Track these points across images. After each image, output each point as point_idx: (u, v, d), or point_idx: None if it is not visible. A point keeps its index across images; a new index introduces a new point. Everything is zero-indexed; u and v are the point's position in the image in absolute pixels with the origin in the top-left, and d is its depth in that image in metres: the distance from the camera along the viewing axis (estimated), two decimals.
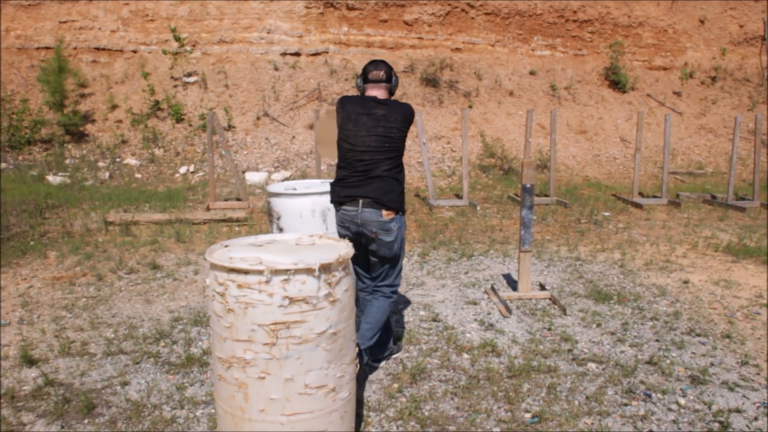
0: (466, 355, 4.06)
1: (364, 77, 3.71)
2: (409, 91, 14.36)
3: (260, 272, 2.45)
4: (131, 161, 11.87)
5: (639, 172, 13.49)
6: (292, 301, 2.48)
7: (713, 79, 16.09)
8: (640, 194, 11.04)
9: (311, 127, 12.91)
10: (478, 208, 9.62)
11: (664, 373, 3.89)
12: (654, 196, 10.67)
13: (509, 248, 7.09)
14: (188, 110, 12.92)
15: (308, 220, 4.43)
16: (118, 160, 11.88)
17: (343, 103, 3.71)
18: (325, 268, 2.55)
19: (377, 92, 3.69)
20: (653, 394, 3.61)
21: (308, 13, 14.41)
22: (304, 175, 11.40)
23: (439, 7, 15.46)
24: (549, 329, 4.53)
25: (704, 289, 5.72)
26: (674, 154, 14.04)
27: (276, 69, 13.88)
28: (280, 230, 4.49)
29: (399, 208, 3.62)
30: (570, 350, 4.18)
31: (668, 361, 4.05)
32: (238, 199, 9.55)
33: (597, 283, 5.75)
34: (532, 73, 15.92)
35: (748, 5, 16.91)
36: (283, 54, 14.18)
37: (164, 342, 4.22)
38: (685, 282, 5.90)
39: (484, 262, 6.44)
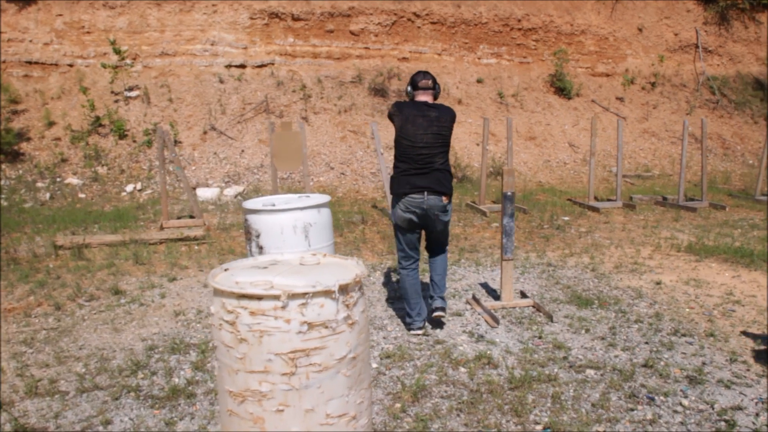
0: (462, 369, 3.93)
1: (414, 85, 4.49)
2: (357, 101, 14.24)
3: (276, 297, 2.25)
4: (73, 180, 11.34)
5: (577, 176, 13.74)
6: (311, 326, 2.29)
7: (653, 84, 16.55)
8: (595, 198, 11.18)
9: (261, 140, 12.63)
10: None
11: (661, 375, 3.86)
12: (608, 200, 10.82)
13: (479, 257, 7.02)
14: (131, 126, 12.45)
15: (290, 237, 4.23)
16: (58, 179, 11.33)
17: (401, 107, 4.45)
18: (344, 290, 2.37)
19: (426, 97, 4.49)
20: (656, 397, 3.58)
21: (253, 25, 14.14)
22: (257, 190, 11.12)
23: (386, 17, 15.42)
24: (540, 337, 4.45)
25: (677, 289, 5.77)
26: (623, 157, 14.30)
27: (221, 82, 13.55)
28: (260, 249, 4.27)
29: (452, 193, 4.44)
30: (565, 357, 4.11)
31: (662, 363, 4.03)
32: (192, 217, 9.22)
33: (574, 288, 5.72)
34: (479, 81, 16.02)
35: (682, 15, 17.49)
36: (228, 66, 13.85)
37: (142, 374, 3.94)
38: (658, 283, 5.94)
39: (458, 272, 6.34)
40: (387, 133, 13.56)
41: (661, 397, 3.58)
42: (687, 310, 5.16)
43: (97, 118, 12.28)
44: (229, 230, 8.51)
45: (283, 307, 2.26)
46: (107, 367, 4.07)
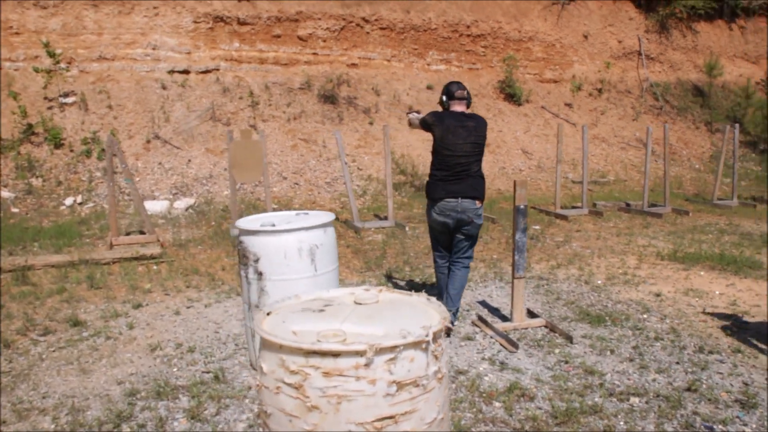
0: (497, 404, 3.53)
1: (450, 95, 4.63)
2: (307, 108, 13.72)
3: (359, 353, 1.79)
4: (4, 194, 10.39)
5: (548, 184, 13.64)
6: (400, 386, 1.84)
7: (600, 91, 16.68)
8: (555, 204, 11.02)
9: (209, 149, 11.96)
10: (407, 228, 9.15)
11: (709, 400, 3.59)
12: (574, 207, 10.68)
13: None
14: (68, 134, 11.56)
15: (295, 261, 3.73)
16: None
17: (440, 117, 4.58)
18: (435, 338, 1.93)
19: (462, 107, 4.65)
20: (715, 426, 3.27)
21: (197, 29, 13.43)
22: (209, 202, 10.47)
23: (334, 22, 14.96)
24: (566, 362, 4.10)
25: (679, 301, 5.57)
26: (574, 163, 14.30)
27: (164, 88, 12.79)
28: (259, 275, 3.76)
29: (484, 197, 4.61)
30: (601, 384, 3.78)
31: (704, 386, 3.77)
32: (142, 232, 8.52)
33: (578, 303, 5.43)
34: (429, 87, 15.75)
35: (625, 22, 17.74)
36: (171, 72, 13.10)
37: (128, 427, 3.36)
38: (657, 295, 5.73)
39: None
40: (351, 140, 13.10)
41: (720, 426, 3.29)
42: (699, 323, 4.92)
43: (30, 126, 11.34)
44: (186, 247, 7.88)
45: (367, 365, 1.80)
46: (82, 420, 3.47)
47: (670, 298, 5.62)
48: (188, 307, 5.44)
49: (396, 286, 6.07)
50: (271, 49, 14.22)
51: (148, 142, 11.81)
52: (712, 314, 5.14)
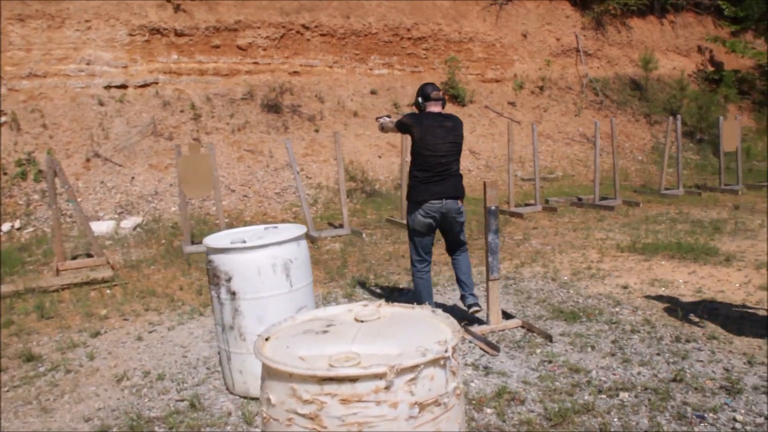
0: (488, 410, 3.45)
1: (426, 97, 4.69)
2: (251, 119, 13.46)
3: (378, 376, 1.66)
4: None
5: (498, 182, 13.70)
6: (422, 407, 1.73)
7: (541, 88, 16.91)
8: (508, 203, 11.08)
9: (153, 165, 11.58)
10: (364, 235, 9.03)
11: (696, 389, 3.60)
12: (527, 204, 10.75)
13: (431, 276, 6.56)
14: (1, 157, 11.02)
15: (269, 278, 3.57)
16: None
17: (418, 118, 4.63)
18: (453, 353, 1.81)
19: (438, 108, 4.72)
20: (706, 415, 3.28)
21: (132, 42, 13.02)
22: (157, 219, 10.12)
23: (273, 30, 14.74)
24: (550, 362, 4.05)
25: (647, 291, 5.63)
26: (522, 161, 14.45)
27: (101, 104, 12.33)
28: (233, 294, 3.57)
29: (464, 196, 4.79)
30: (588, 382, 3.74)
31: (689, 375, 3.77)
32: (90, 255, 8.14)
33: (549, 301, 5.41)
34: (373, 92, 15.68)
35: (562, 20, 18.06)
36: (108, 87, 12.64)
37: None
38: (625, 287, 5.77)
39: None
40: (284, 151, 12.88)
41: (711, 414, 3.29)
42: (672, 314, 4.95)
43: None
44: (138, 268, 7.56)
45: (388, 388, 1.67)
46: None
47: (638, 290, 5.66)
48: (150, 332, 5.18)
49: (374, 294, 5.93)
50: (210, 60, 13.90)
51: (88, 160, 11.36)
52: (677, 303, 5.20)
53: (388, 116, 5.30)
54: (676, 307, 5.08)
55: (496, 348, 4.22)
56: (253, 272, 3.55)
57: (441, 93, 4.73)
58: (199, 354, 4.59)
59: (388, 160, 13.92)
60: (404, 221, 9.98)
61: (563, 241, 7.98)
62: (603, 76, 17.90)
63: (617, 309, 5.10)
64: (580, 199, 10.92)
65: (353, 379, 1.66)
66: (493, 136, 15.55)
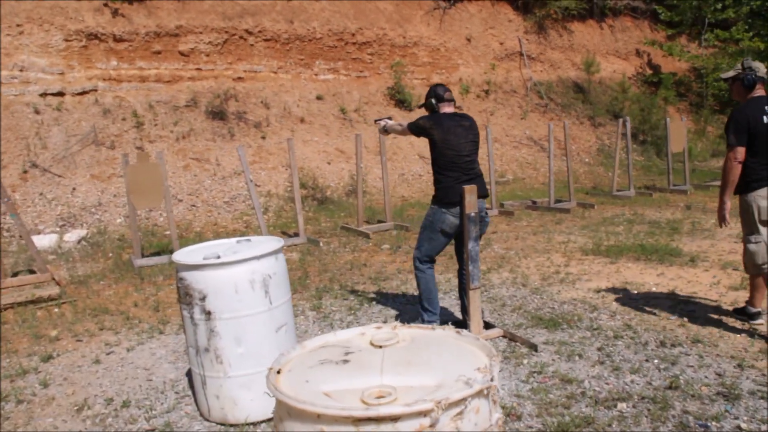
0: None
1: (439, 98, 4.65)
2: (196, 126, 13.03)
3: (422, 413, 1.46)
4: None
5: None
6: None
7: (487, 92, 16.99)
8: None
9: (94, 175, 11.05)
10: (321, 244, 8.79)
11: (693, 396, 3.52)
12: None
13: (397, 285, 6.40)
14: None
15: (248, 295, 3.31)
16: None
17: (437, 120, 4.54)
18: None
19: (450, 108, 4.68)
20: (710, 424, 3.19)
21: (69, 47, 12.42)
22: (102, 232, 9.62)
23: (216, 36, 14.33)
24: (539, 373, 3.92)
25: (620, 295, 5.59)
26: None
27: (37, 112, 11.71)
28: (208, 314, 3.30)
29: None
30: (583, 393, 3.62)
31: (683, 382, 3.70)
32: (32, 271, 7.65)
33: (526, 308, 5.30)
34: (319, 97, 15.43)
35: (505, 24, 18.20)
36: (44, 95, 12.01)
37: None
38: (597, 291, 5.72)
39: (389, 305, 5.66)
40: (231, 158, 12.52)
41: (714, 423, 3.20)
42: (649, 316, 4.91)
43: None
44: (87, 283, 7.12)
45: (433, 425, 1.47)
46: None
47: (611, 294, 5.62)
48: (108, 353, 4.82)
49: (343, 306, 5.70)
50: (152, 67, 13.40)
51: (25, 172, 10.75)
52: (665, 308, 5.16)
53: (389, 118, 5.16)
54: (654, 311, 5.04)
55: None
56: (230, 290, 3.29)
57: (452, 93, 4.70)
58: (165, 376, 4.28)
59: (338, 166, 13.70)
60: (360, 228, 9.82)
61: (525, 245, 7.92)
62: (547, 80, 18.11)
63: (595, 314, 5.02)
64: (534, 203, 10.94)
65: (395, 419, 1.45)
66: None
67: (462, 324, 4.71)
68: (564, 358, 4.13)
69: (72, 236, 9.23)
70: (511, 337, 4.50)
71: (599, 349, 4.26)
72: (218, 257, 3.36)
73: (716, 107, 18.90)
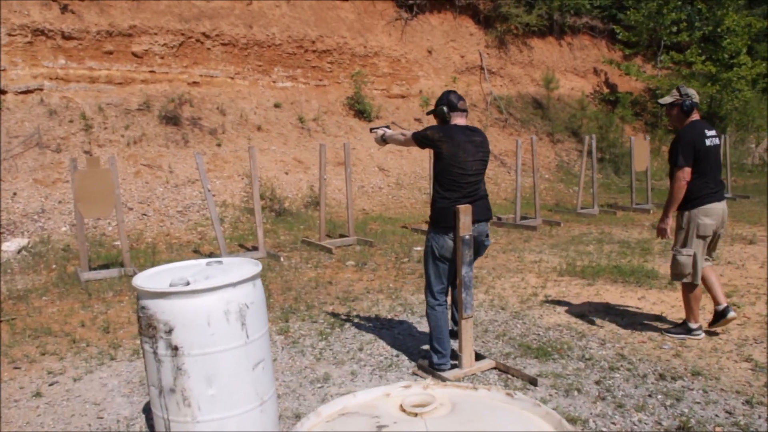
0: None
1: (452, 106, 4.17)
2: (148, 131, 12.42)
3: None
4: None
5: (411, 201, 13.38)
6: None
7: None
8: (427, 222, 10.72)
9: (38, 180, 10.35)
10: (282, 259, 8.35)
11: None
12: None
13: (368, 305, 6.02)
14: None
15: (221, 329, 2.89)
16: None
17: (449, 132, 4.08)
18: None
19: (463, 120, 4.22)
20: None
21: (12, 43, 11.68)
22: (45, 241, 8.96)
23: (172, 38, 13.75)
24: None
25: (605, 320, 5.35)
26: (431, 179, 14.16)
27: None
28: (174, 350, 2.86)
29: None
30: None
31: (694, 422, 3.43)
32: None
33: (510, 335, 4.99)
34: (277, 105, 14.98)
35: (466, 38, 18.10)
36: None
37: None
38: (581, 316, 5.48)
39: (363, 329, 5.27)
40: (184, 165, 11.98)
41: None
42: (639, 345, 4.66)
43: None
44: (27, 299, 6.51)
45: None
46: None
47: (596, 318, 5.36)
48: (51, 384, 4.29)
49: (312, 330, 5.28)
50: (102, 67, 12.74)
51: None
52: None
53: (387, 126, 4.74)
54: (644, 338, 4.79)
55: None
56: (201, 322, 2.86)
57: (467, 104, 4.30)
58: (118, 413, 3.79)
59: (296, 177, 13.26)
60: (322, 242, 9.41)
61: (497, 264, 7.65)
62: (506, 95, 18.06)
63: (584, 342, 4.74)
64: (499, 219, 10.71)
65: None
66: (401, 152, 15.22)
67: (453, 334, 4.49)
68: (562, 393, 3.82)
69: (11, 246, 8.54)
70: (504, 370, 4.17)
71: (597, 383, 3.96)
72: (187, 283, 2.93)
73: (670, 128, 19.15)
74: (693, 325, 4.76)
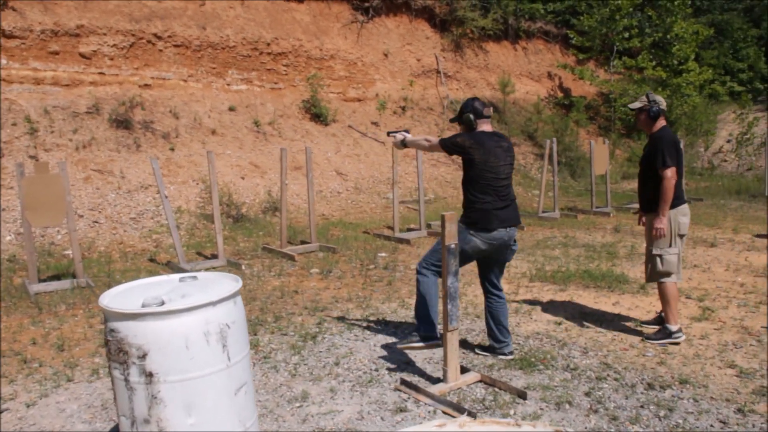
0: None
1: (478, 113, 4.25)
2: (98, 135, 11.93)
3: None
4: None
5: (371, 206, 13.19)
6: None
7: (403, 108, 16.72)
8: (389, 228, 10.57)
9: None
10: (244, 267, 8.06)
11: None
12: (410, 229, 10.28)
13: (337, 315, 5.80)
14: None
15: (201, 352, 2.64)
16: None
17: (480, 139, 4.19)
18: None
19: (488, 127, 4.32)
20: None
21: None
22: None
23: (122, 39, 13.27)
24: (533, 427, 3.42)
25: (585, 328, 5.24)
26: (389, 182, 14.02)
27: None
28: (149, 376, 2.61)
29: None
30: None
31: None
32: None
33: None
34: (231, 109, 14.62)
35: (422, 41, 18.03)
36: None
37: None
38: (559, 324, 5.38)
39: (336, 341, 5.05)
40: (137, 170, 11.56)
41: None
42: (621, 353, 4.58)
43: None
44: None
45: None
46: None
47: (574, 326, 5.27)
48: (1, 412, 3.95)
49: (283, 343, 5.03)
50: (48, 68, 12.20)
51: None
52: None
53: (407, 131, 4.76)
54: (625, 346, 4.70)
55: (471, 415, 3.53)
56: (179, 345, 2.61)
57: (492, 110, 4.25)
58: None
59: (252, 182, 12.94)
60: (283, 249, 9.14)
61: (464, 269, 7.51)
62: (463, 98, 18.02)
63: (566, 351, 4.63)
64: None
65: None
66: (359, 156, 15.05)
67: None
68: (553, 406, 3.68)
69: None
70: (491, 383, 4.01)
71: (587, 394, 3.84)
72: (162, 303, 2.68)
73: (623, 131, 19.48)
74: (673, 328, 4.77)
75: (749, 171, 17.52)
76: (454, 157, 16.12)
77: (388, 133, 4.88)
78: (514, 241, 4.39)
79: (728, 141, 19.12)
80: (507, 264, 4.62)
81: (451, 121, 4.54)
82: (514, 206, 4.37)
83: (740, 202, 13.00)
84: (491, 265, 4.48)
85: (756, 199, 13.26)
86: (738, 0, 24.31)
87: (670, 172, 4.59)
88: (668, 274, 4.75)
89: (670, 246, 4.74)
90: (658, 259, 4.76)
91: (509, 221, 4.27)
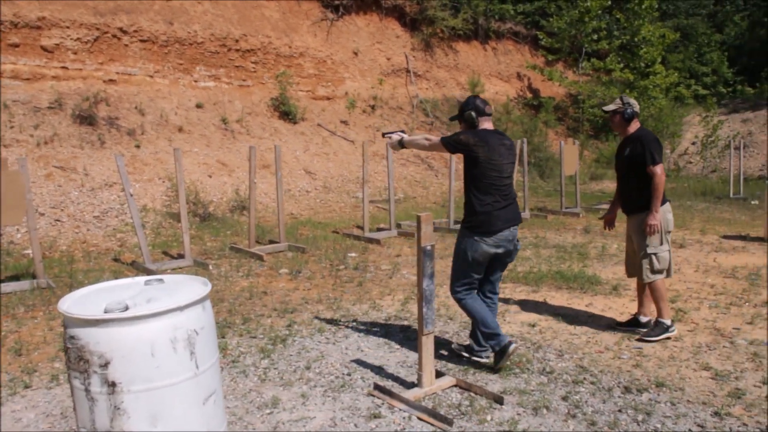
0: None
1: (480, 111, 4.19)
2: (60, 131, 11.61)
3: None
4: None
5: (340, 205, 13.07)
6: None
7: (373, 107, 16.62)
8: (359, 227, 10.46)
9: None
10: (211, 267, 7.88)
11: None
12: (380, 229, 10.18)
13: (308, 317, 5.68)
14: None
15: (168, 359, 2.50)
16: None
17: (484, 137, 4.11)
18: None
19: (489, 125, 4.26)
20: None
21: None
22: None
23: (86, 32, 12.94)
24: None
25: (559, 330, 5.19)
26: (359, 182, 13.93)
27: None
28: (111, 386, 2.46)
29: None
30: None
31: None
32: None
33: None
34: (199, 106, 14.38)
35: (392, 40, 17.96)
36: None
37: None
38: (532, 325, 5.33)
39: (307, 344, 4.93)
40: (101, 168, 11.27)
41: None
42: (596, 356, 4.53)
43: None
44: None
45: None
46: None
47: (548, 328, 5.22)
48: None
49: (252, 346, 4.88)
50: (8, 61, 11.84)
51: None
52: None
53: (402, 131, 4.61)
54: (600, 348, 4.66)
55: (447, 421, 3.43)
56: (144, 352, 2.47)
57: (492, 108, 4.30)
58: None
59: (219, 180, 12.73)
60: (251, 249, 8.97)
61: (435, 270, 7.44)
62: (432, 98, 18.04)
63: (541, 354, 4.57)
64: (433, 223, 10.54)
65: None
66: (328, 155, 14.91)
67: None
68: (530, 412, 3.61)
69: None
70: (466, 387, 3.92)
71: (564, 399, 3.78)
72: (126, 308, 2.53)
73: (591, 132, 19.64)
74: (667, 322, 4.83)
75: (714, 173, 17.81)
76: (424, 156, 16.14)
77: (384, 134, 4.75)
78: (517, 240, 4.34)
79: (693, 143, 19.42)
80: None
81: (451, 119, 4.49)
82: (516, 205, 4.32)
83: (706, 204, 13.18)
84: (494, 267, 4.38)
85: (721, 201, 13.46)
86: (702, 6, 24.73)
87: (659, 169, 4.66)
88: (662, 272, 4.81)
89: (662, 243, 4.80)
90: (654, 258, 4.79)
91: (512, 221, 4.22)
